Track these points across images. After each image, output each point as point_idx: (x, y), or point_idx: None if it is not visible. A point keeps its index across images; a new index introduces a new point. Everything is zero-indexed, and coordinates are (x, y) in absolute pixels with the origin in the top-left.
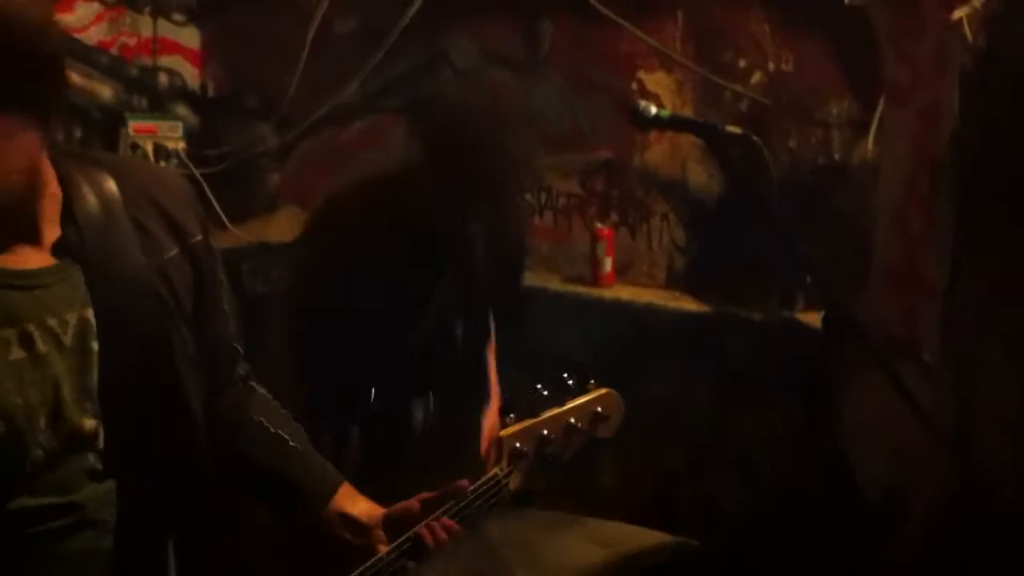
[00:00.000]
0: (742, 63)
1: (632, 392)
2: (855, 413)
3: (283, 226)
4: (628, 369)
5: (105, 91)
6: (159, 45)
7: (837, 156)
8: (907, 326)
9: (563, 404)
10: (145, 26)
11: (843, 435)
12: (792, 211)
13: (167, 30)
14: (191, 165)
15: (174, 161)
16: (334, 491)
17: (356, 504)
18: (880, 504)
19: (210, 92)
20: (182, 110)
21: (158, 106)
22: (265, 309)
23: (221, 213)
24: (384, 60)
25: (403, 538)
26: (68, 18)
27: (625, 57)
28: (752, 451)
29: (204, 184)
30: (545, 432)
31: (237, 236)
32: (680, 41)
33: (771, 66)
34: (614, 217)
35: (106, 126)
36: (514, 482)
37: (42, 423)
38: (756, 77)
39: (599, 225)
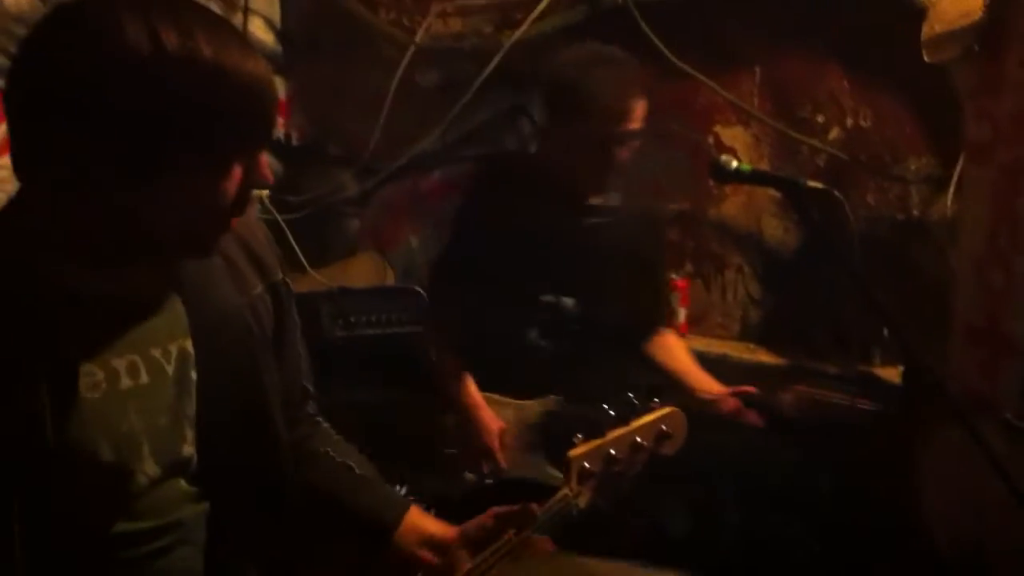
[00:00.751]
0: (820, 118)
1: (707, 442)
2: (934, 469)
3: (362, 271)
4: (700, 420)
5: None
6: None
7: (916, 212)
8: (988, 383)
9: (628, 423)
10: None
11: (922, 491)
12: (870, 266)
13: None
14: (274, 211)
15: (258, 207)
16: (404, 513)
17: (430, 523)
18: (959, 562)
19: (294, 140)
20: (267, 157)
21: None
22: (344, 353)
23: (302, 257)
24: (464, 112)
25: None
26: None
27: (702, 111)
28: (826, 504)
29: (286, 229)
30: (612, 452)
31: (317, 280)
32: (757, 95)
33: (849, 121)
34: (689, 268)
35: None
36: (583, 501)
37: (146, 450)
38: (834, 132)
39: (673, 276)
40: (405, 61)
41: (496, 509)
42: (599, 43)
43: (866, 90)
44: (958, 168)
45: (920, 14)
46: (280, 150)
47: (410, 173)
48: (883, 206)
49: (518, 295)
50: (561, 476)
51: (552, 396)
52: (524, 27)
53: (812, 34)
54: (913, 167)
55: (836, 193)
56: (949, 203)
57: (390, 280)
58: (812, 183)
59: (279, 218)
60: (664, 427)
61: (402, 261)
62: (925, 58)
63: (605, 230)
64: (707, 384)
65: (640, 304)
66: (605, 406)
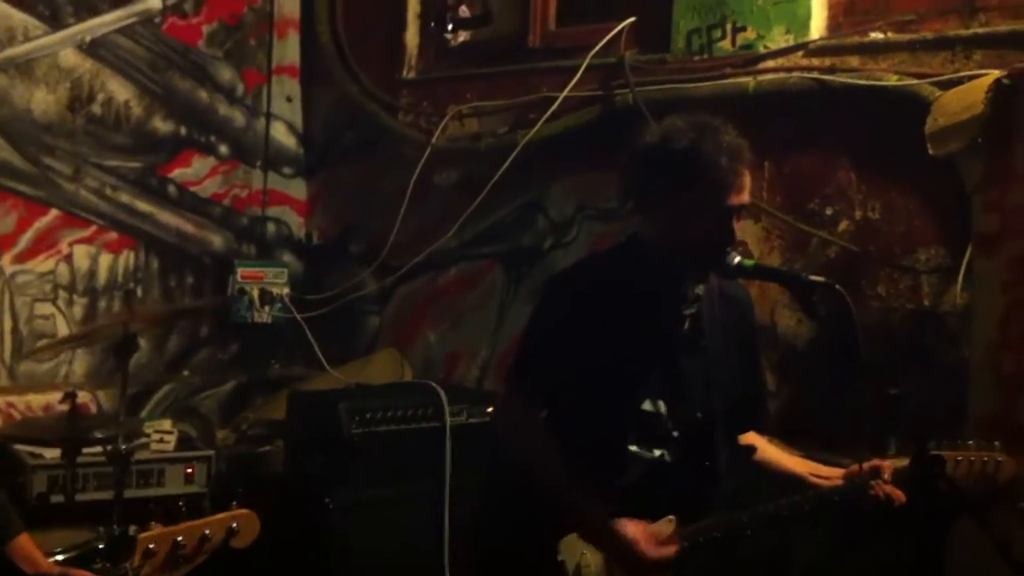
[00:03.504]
0: (829, 211)
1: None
2: (955, 559)
3: (380, 368)
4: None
5: (217, 239)
6: (269, 197)
7: (927, 303)
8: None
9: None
10: (256, 179)
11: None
12: (884, 356)
13: (276, 182)
14: (294, 310)
15: (278, 306)
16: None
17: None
18: None
19: (314, 240)
20: (287, 257)
21: (265, 253)
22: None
23: (321, 355)
24: (481, 209)
25: None
26: (185, 171)
27: None
28: None
29: (306, 328)
30: (179, 539)
31: (335, 378)
32: (767, 189)
33: (858, 214)
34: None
35: (216, 272)
36: (144, 573)
37: None
38: (843, 225)
39: None
40: (422, 161)
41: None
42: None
43: (874, 183)
44: (966, 258)
45: (926, 107)
46: (300, 250)
47: (428, 270)
48: (894, 297)
49: (616, 402)
50: None
51: (669, 518)
52: (538, 126)
53: (819, 129)
54: (923, 258)
55: (838, 286)
56: (959, 293)
57: (408, 376)
58: (814, 277)
59: (298, 317)
60: (235, 524)
61: (420, 357)
62: (930, 151)
63: (706, 320)
64: (819, 470)
65: (747, 399)
66: (180, 503)
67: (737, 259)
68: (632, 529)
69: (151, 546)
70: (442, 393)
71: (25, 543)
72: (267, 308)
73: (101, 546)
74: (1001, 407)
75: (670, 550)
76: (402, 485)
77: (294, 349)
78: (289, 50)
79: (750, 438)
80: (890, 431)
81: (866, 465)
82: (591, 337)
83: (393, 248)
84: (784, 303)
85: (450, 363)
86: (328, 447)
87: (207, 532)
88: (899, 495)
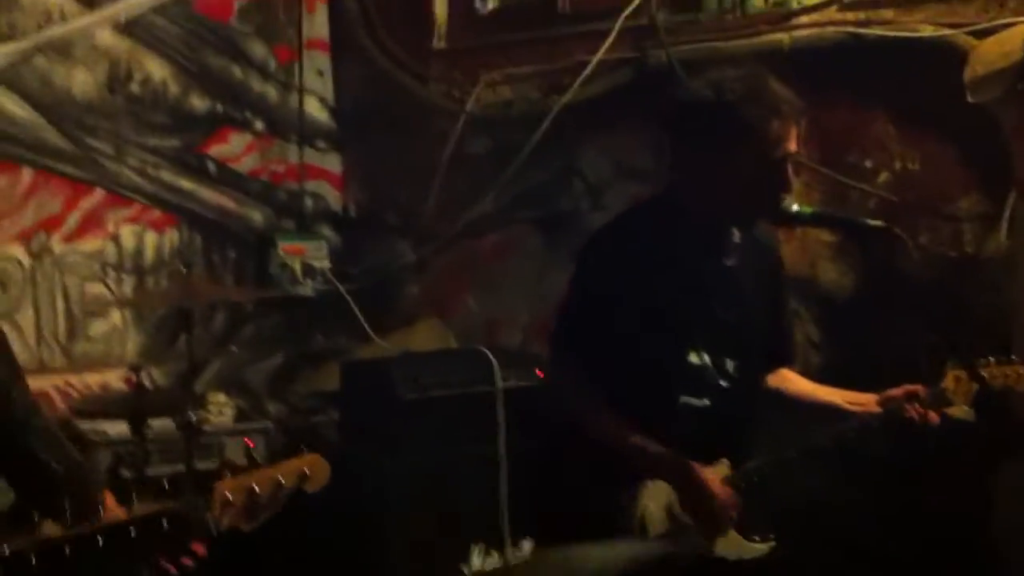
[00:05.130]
0: (868, 163)
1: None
2: (1009, 497)
3: (423, 336)
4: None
5: (256, 215)
6: (305, 171)
7: (969, 250)
8: None
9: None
10: (292, 154)
11: (998, 520)
12: (929, 305)
13: (312, 157)
14: (336, 282)
15: (320, 279)
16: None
17: None
18: None
19: (352, 213)
20: (326, 230)
21: (304, 228)
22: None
23: (366, 326)
24: (517, 175)
25: None
26: (222, 148)
27: None
28: (902, 541)
29: (349, 299)
30: (255, 487)
31: (381, 347)
32: (806, 144)
33: (897, 165)
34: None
35: (258, 247)
36: (224, 523)
37: None
38: (883, 176)
39: None
40: (457, 130)
41: None
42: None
43: (913, 134)
44: (1008, 205)
45: (963, 57)
46: (338, 223)
47: (465, 238)
48: (936, 246)
49: (663, 356)
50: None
51: (723, 461)
52: (572, 91)
53: (856, 81)
54: (964, 206)
55: (897, 230)
56: (1003, 239)
57: (451, 344)
58: (873, 222)
59: (341, 288)
60: (306, 469)
61: (462, 325)
62: (969, 99)
63: (740, 269)
64: (854, 397)
65: (775, 341)
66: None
67: (796, 207)
68: (703, 471)
69: (228, 495)
70: (492, 357)
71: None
72: (309, 281)
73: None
74: None
75: (730, 492)
76: (457, 450)
77: (336, 321)
78: (318, 24)
79: (784, 374)
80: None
81: (901, 389)
82: (633, 295)
83: (431, 218)
84: (826, 255)
85: (491, 329)
86: (384, 414)
87: (280, 479)
88: (934, 417)
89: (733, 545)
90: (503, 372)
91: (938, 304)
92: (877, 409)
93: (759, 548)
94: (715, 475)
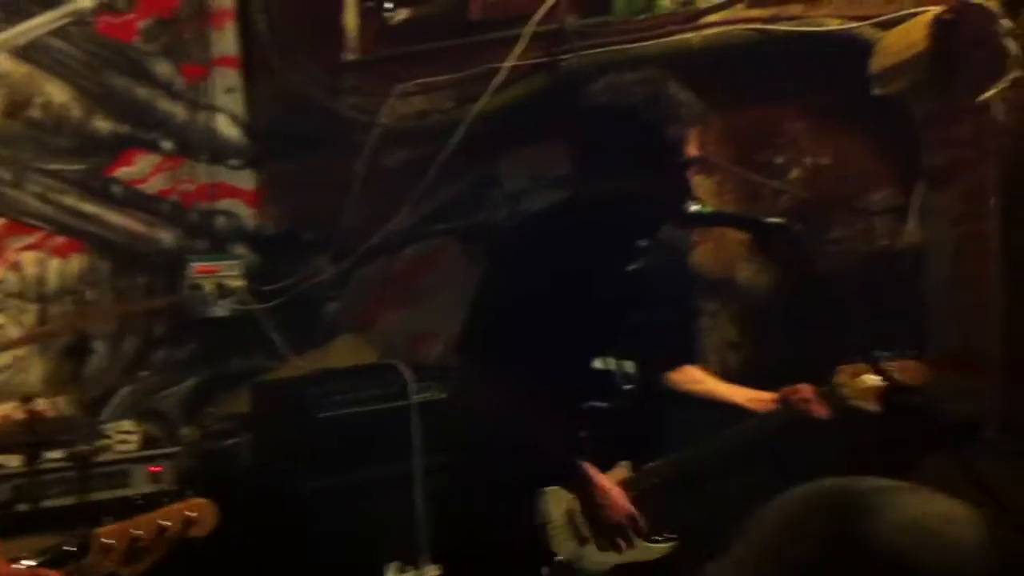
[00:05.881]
0: (779, 160)
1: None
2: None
3: (342, 353)
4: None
5: (167, 237)
6: (217, 190)
7: (882, 243)
8: (968, 404)
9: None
10: (203, 173)
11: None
12: (842, 300)
13: (224, 175)
14: (252, 301)
15: (235, 299)
16: None
17: None
18: None
19: (267, 230)
20: (241, 249)
21: (218, 247)
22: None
23: (278, 343)
24: (434, 187)
25: None
26: (129, 170)
27: None
28: None
29: (263, 319)
30: (136, 531)
31: (298, 366)
32: (717, 143)
33: (808, 161)
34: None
35: (168, 270)
36: (103, 568)
37: None
38: (795, 173)
39: None
40: (370, 143)
41: None
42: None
43: (823, 129)
44: (916, 195)
45: (870, 49)
46: (253, 241)
47: (384, 253)
48: (850, 240)
49: (568, 361)
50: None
51: (622, 464)
52: (485, 99)
53: (766, 78)
54: (876, 199)
55: (796, 227)
56: (912, 230)
57: (372, 359)
58: (771, 219)
59: (256, 308)
60: (191, 514)
61: (383, 340)
62: (877, 91)
63: (646, 272)
64: (756, 395)
65: (681, 341)
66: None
67: (695, 207)
68: (600, 476)
69: (107, 541)
70: (405, 371)
71: None
72: (224, 302)
73: (72, 548)
74: (959, 341)
75: (627, 497)
76: (374, 467)
77: (254, 342)
78: (227, 41)
79: (689, 372)
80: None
81: (797, 386)
82: (538, 299)
83: (348, 233)
84: (743, 255)
85: (414, 344)
86: (295, 434)
87: (163, 523)
88: (823, 411)
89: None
90: (423, 384)
91: (853, 299)
92: (775, 406)
93: (660, 548)
94: (614, 479)
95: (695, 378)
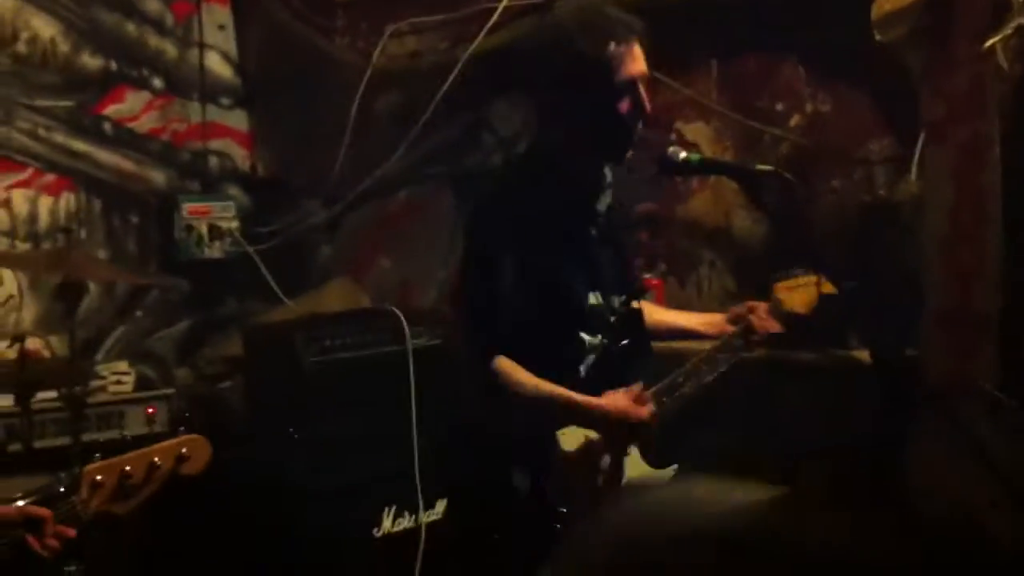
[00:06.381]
0: (779, 107)
1: (692, 439)
2: (919, 452)
3: (335, 297)
4: (682, 417)
5: (158, 177)
6: (208, 129)
7: (881, 193)
8: (964, 361)
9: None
10: (194, 112)
11: (909, 476)
12: (841, 250)
13: (216, 115)
14: (245, 243)
15: (228, 240)
16: None
17: None
18: (948, 544)
19: (260, 172)
20: (233, 191)
21: (210, 188)
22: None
23: (276, 288)
24: (427, 131)
25: None
26: (119, 108)
27: (662, 109)
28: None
29: (258, 260)
30: (127, 468)
31: (291, 309)
32: (716, 90)
33: (808, 108)
34: (662, 267)
35: (160, 210)
36: (92, 507)
37: None
38: (794, 120)
39: (648, 276)
40: (363, 85)
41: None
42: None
43: (823, 76)
44: (918, 148)
45: None
46: (246, 183)
47: (376, 197)
48: (849, 190)
49: (564, 302)
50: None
51: (638, 382)
52: (479, 39)
53: (764, 25)
54: (875, 149)
55: (786, 174)
56: (913, 182)
57: (365, 304)
58: (760, 166)
59: (250, 250)
60: (184, 451)
61: (375, 284)
62: (876, 38)
63: (611, 208)
64: (708, 318)
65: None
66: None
67: (683, 154)
68: (608, 398)
69: (98, 478)
70: (401, 316)
71: None
72: (217, 243)
73: (62, 488)
74: (957, 297)
75: (648, 406)
76: (368, 413)
77: (248, 284)
78: None
79: (644, 305)
80: (849, 324)
81: (748, 304)
82: (524, 262)
83: (341, 176)
84: (739, 203)
85: (405, 288)
86: (287, 379)
87: (155, 460)
88: (775, 326)
89: (635, 466)
90: (416, 330)
91: (851, 249)
92: (730, 328)
93: (662, 473)
94: (630, 394)
95: (649, 310)
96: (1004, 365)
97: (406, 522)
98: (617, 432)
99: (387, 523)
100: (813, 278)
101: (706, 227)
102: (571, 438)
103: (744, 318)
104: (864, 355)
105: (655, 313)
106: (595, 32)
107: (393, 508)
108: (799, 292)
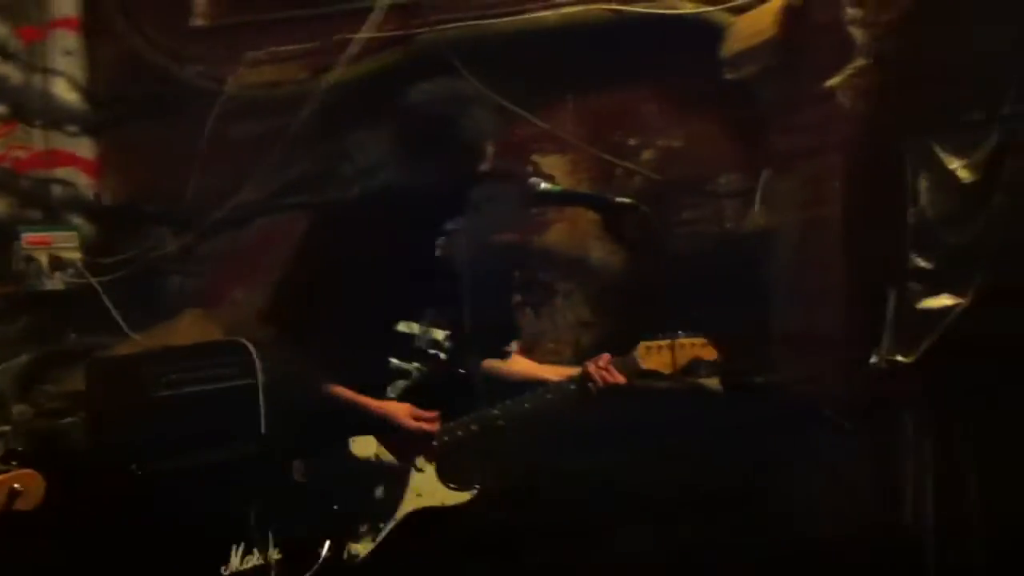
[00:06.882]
0: (632, 141)
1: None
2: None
3: (187, 329)
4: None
5: None
6: (53, 157)
7: (729, 225)
8: (811, 385)
9: None
10: (38, 139)
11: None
12: (692, 280)
13: (61, 142)
14: (88, 274)
15: (70, 271)
16: None
17: None
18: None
19: (106, 200)
20: (78, 220)
21: (53, 217)
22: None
23: (119, 319)
24: (284, 160)
25: None
26: None
27: (520, 142)
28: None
29: (101, 292)
30: None
31: (139, 343)
32: (572, 123)
33: (660, 143)
34: (517, 298)
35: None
36: None
37: None
38: (647, 154)
39: None
40: (214, 113)
41: None
42: (453, 79)
43: (676, 111)
44: (761, 180)
45: (721, 34)
46: (91, 212)
47: (231, 227)
48: (699, 222)
49: (373, 327)
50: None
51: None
52: (338, 69)
53: (621, 59)
54: (723, 182)
55: (643, 207)
56: (756, 213)
57: (218, 336)
58: (619, 198)
59: (93, 281)
60: (16, 486)
61: (229, 317)
62: (727, 76)
63: (453, 251)
64: (563, 370)
65: (501, 321)
66: None
67: (543, 185)
68: (393, 405)
69: None
70: (252, 349)
71: None
72: (58, 274)
73: None
74: (803, 323)
75: (431, 424)
76: (218, 447)
77: (93, 316)
78: (66, 2)
79: (515, 358)
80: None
81: (599, 357)
82: (344, 274)
83: (196, 206)
84: (595, 235)
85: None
86: (133, 413)
87: None
88: (618, 378)
89: (429, 484)
90: (267, 364)
91: (701, 279)
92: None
93: (459, 496)
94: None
95: (515, 361)
96: (849, 387)
97: (254, 559)
98: (400, 440)
99: (235, 560)
100: (688, 341)
101: (564, 257)
102: (362, 444)
103: (591, 370)
104: (714, 382)
105: (515, 364)
106: (479, 127)
107: (242, 545)
108: (663, 353)
